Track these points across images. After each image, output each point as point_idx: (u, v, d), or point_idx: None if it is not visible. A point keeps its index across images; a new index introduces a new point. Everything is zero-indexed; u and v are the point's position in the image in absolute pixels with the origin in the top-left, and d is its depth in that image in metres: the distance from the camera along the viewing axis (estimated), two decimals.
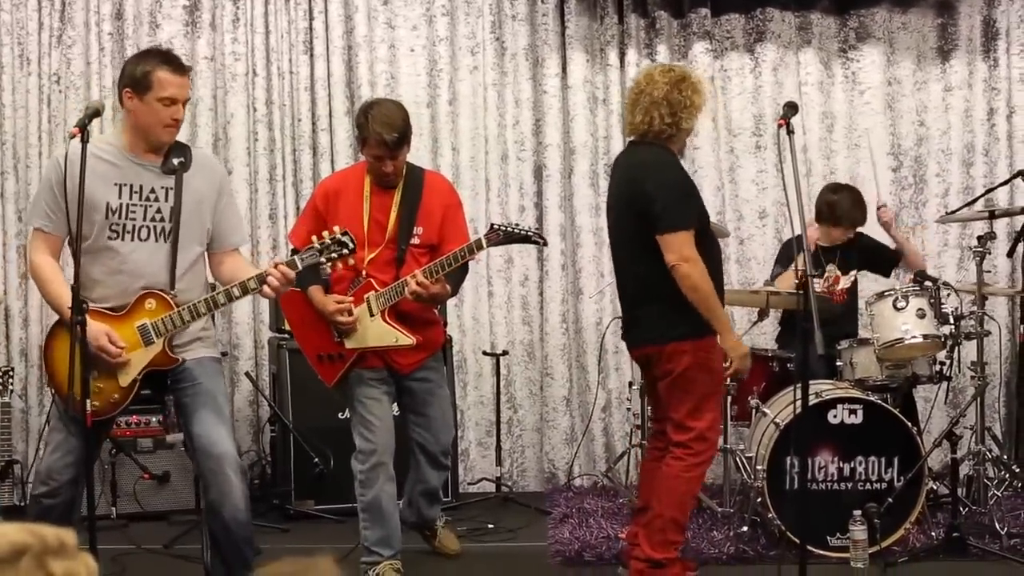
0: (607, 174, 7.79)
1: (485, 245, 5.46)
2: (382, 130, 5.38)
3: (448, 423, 5.92)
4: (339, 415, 6.58)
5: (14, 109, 7.62)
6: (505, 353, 7.65)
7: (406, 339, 5.50)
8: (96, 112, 4.53)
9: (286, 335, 6.80)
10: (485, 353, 7.69)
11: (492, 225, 5.54)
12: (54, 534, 2.01)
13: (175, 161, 4.73)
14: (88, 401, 4.33)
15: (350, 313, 5.47)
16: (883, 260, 7.13)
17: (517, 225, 5.59)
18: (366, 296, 5.48)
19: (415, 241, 5.53)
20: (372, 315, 5.48)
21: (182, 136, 7.39)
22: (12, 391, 6.87)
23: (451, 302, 7.41)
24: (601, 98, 7.85)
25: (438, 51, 7.83)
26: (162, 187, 4.71)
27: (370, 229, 5.51)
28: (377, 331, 5.49)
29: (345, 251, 4.75)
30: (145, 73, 4.64)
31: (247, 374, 7.53)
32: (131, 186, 4.64)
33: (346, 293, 5.52)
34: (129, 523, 6.75)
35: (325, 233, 4.79)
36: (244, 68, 7.73)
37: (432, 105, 7.75)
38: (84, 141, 4.38)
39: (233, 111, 7.73)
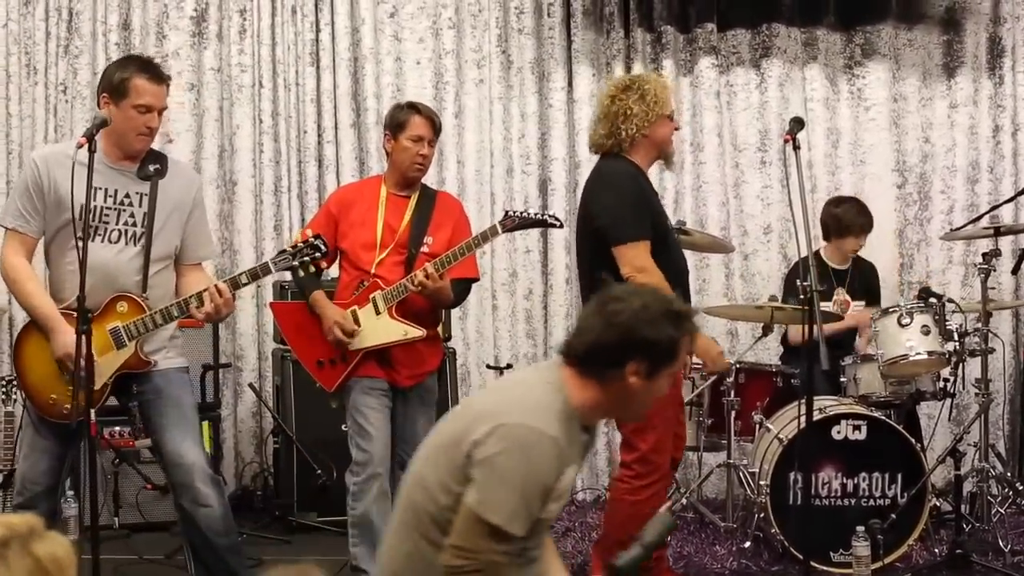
0: None
1: (500, 231, 5.49)
2: (427, 111, 5.65)
3: None
4: (342, 427, 6.53)
5: (20, 119, 7.62)
6: (509, 366, 7.62)
7: (416, 331, 5.46)
8: (104, 122, 4.53)
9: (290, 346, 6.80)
10: (489, 367, 7.67)
11: (506, 211, 5.60)
12: (22, 521, 2.14)
13: (151, 168, 4.74)
14: (92, 412, 4.35)
15: (349, 335, 5.43)
16: (872, 300, 7.08)
17: (530, 210, 5.64)
18: (371, 296, 5.46)
19: (425, 249, 5.53)
20: (379, 313, 5.45)
21: (188, 146, 7.59)
22: (15, 400, 6.84)
23: (455, 315, 7.42)
24: None
25: (444, 64, 7.84)
26: (137, 192, 4.72)
27: (382, 233, 5.54)
28: (384, 328, 5.45)
29: (318, 254, 4.82)
30: (123, 80, 4.68)
31: (251, 385, 7.52)
32: (106, 190, 4.65)
33: (351, 296, 5.51)
34: (131, 533, 6.71)
35: (297, 237, 4.87)
36: (250, 80, 7.75)
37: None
38: (92, 151, 4.40)
39: (239, 123, 7.73)
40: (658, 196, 5.58)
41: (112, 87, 4.70)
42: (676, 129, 5.37)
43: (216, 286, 4.66)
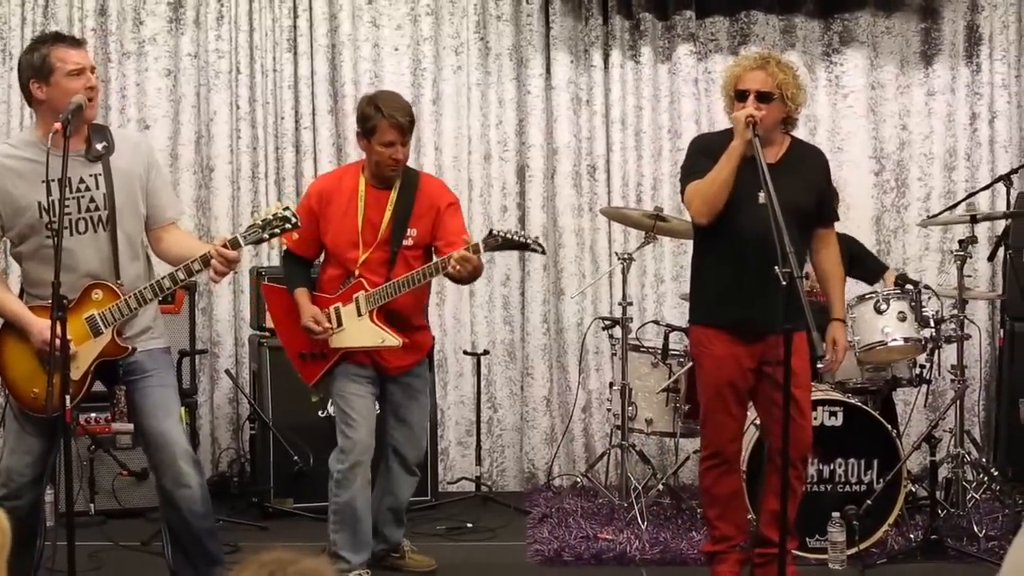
0: (590, 175, 7.83)
1: (482, 249, 5.32)
2: (396, 113, 5.45)
3: (425, 431, 5.88)
4: (319, 413, 6.58)
5: None
6: (486, 353, 7.64)
7: (393, 340, 5.47)
8: (79, 107, 4.48)
9: (267, 332, 6.80)
10: (466, 353, 7.68)
11: (491, 230, 5.44)
12: None
13: (99, 146, 4.66)
14: (67, 398, 4.34)
15: (323, 329, 5.45)
16: (871, 267, 7.06)
17: (516, 232, 5.48)
18: (355, 296, 5.46)
19: (408, 243, 5.50)
20: (360, 315, 5.45)
21: (164, 132, 7.57)
22: None
23: (433, 301, 7.40)
24: (585, 99, 7.85)
25: (422, 50, 7.82)
26: (91, 175, 4.64)
27: (364, 230, 5.50)
28: (364, 331, 5.46)
29: (288, 226, 4.66)
30: (43, 57, 4.60)
31: (227, 371, 7.51)
32: (59, 180, 4.48)
33: (335, 291, 5.51)
34: (107, 519, 6.71)
35: (269, 208, 4.75)
36: (228, 66, 7.71)
37: (416, 104, 7.68)
38: (67, 136, 4.38)
39: (216, 108, 7.70)
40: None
41: (36, 70, 4.60)
42: (750, 108, 5.07)
43: (219, 248, 4.55)
